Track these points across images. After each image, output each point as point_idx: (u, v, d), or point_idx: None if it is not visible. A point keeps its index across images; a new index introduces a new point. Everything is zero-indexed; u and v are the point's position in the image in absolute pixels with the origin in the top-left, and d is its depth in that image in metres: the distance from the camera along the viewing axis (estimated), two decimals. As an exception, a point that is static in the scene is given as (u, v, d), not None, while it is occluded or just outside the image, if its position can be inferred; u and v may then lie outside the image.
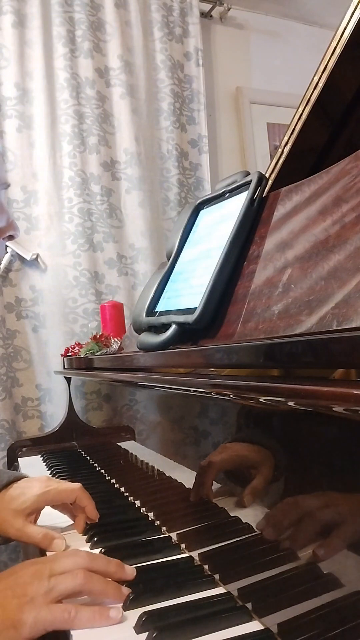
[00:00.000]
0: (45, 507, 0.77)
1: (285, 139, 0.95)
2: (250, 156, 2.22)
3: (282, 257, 0.62)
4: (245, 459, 0.55)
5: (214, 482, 0.62)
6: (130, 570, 0.58)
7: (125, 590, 0.55)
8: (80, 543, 0.73)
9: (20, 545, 1.42)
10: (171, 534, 0.72)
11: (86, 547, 0.71)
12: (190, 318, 0.69)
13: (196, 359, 0.61)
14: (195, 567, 0.61)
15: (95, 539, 0.72)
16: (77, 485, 0.77)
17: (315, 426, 0.43)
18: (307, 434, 0.44)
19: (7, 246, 1.64)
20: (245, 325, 0.61)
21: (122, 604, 0.54)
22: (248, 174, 0.82)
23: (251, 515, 0.52)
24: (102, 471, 1.13)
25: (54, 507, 0.79)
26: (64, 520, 0.80)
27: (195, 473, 0.66)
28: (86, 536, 0.75)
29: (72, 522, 0.79)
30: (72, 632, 0.50)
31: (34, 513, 0.74)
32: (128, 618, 0.52)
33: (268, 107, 2.27)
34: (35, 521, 0.75)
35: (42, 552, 0.72)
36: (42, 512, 0.77)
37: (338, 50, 0.83)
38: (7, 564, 1.54)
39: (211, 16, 2.20)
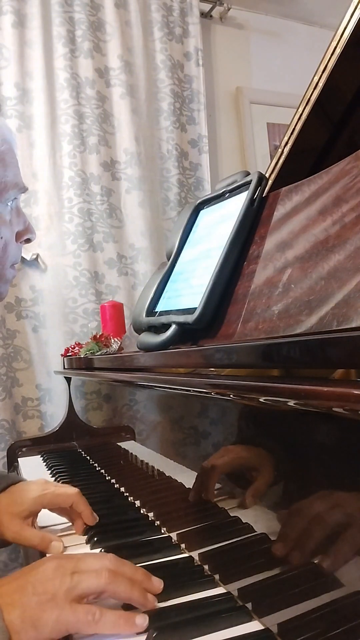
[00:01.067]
0: (43, 509, 0.76)
1: (285, 139, 0.95)
2: (250, 156, 2.22)
3: (282, 257, 0.62)
4: (245, 460, 0.55)
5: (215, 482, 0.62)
6: (157, 582, 0.54)
7: (152, 598, 0.52)
8: (80, 543, 0.73)
9: (20, 546, 1.42)
10: (171, 534, 0.72)
11: (86, 548, 0.71)
12: (190, 318, 0.69)
13: (196, 359, 0.61)
14: (195, 567, 0.61)
15: (95, 539, 0.72)
16: (75, 490, 0.76)
17: (315, 426, 0.43)
18: (307, 434, 0.44)
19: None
20: (245, 325, 0.61)
21: (150, 608, 0.51)
22: (248, 174, 0.82)
23: (251, 516, 0.52)
24: (102, 471, 1.13)
25: (51, 510, 0.78)
26: (64, 520, 0.80)
27: (196, 473, 0.66)
28: (86, 536, 0.75)
29: (71, 523, 0.79)
30: (72, 632, 0.50)
31: (30, 516, 0.74)
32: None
33: (268, 107, 2.27)
34: (32, 524, 0.75)
35: (41, 554, 0.72)
36: (43, 512, 0.77)
37: (338, 50, 0.83)
38: (7, 564, 1.54)
39: (211, 16, 2.20)
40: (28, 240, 0.80)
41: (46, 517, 0.79)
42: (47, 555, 0.69)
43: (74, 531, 0.77)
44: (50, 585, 0.49)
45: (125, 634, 0.48)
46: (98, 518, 0.77)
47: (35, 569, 0.51)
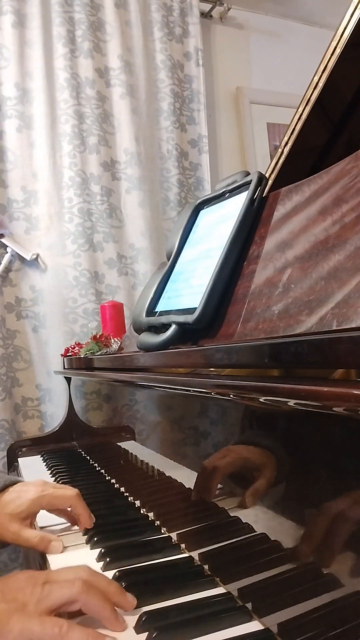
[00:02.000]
0: (41, 510, 0.76)
1: (285, 139, 0.95)
2: (250, 156, 2.22)
3: (282, 257, 0.62)
4: (245, 460, 0.55)
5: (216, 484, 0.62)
6: (130, 599, 0.52)
7: (122, 621, 0.50)
8: (80, 543, 0.73)
9: (19, 547, 1.41)
10: (171, 534, 0.72)
11: (86, 548, 0.72)
12: (190, 318, 0.69)
13: (196, 359, 0.61)
14: (195, 567, 0.61)
15: (95, 539, 0.72)
16: (73, 492, 0.76)
17: (315, 426, 0.43)
18: (307, 434, 0.44)
19: (7, 246, 1.64)
20: (245, 325, 0.61)
21: (119, 631, 0.49)
22: (248, 174, 0.82)
23: (251, 516, 0.52)
24: (102, 471, 1.13)
25: (50, 511, 0.79)
26: (63, 520, 0.80)
27: (196, 473, 0.66)
28: (86, 536, 0.75)
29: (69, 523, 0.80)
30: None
31: (29, 517, 0.74)
32: (128, 618, 0.52)
33: (268, 107, 2.27)
34: (31, 525, 0.75)
35: (41, 555, 0.72)
36: (42, 512, 0.78)
37: (338, 50, 0.83)
38: (8, 564, 1.54)
39: (211, 16, 2.20)
40: (0, 236, 0.81)
41: (46, 517, 0.80)
42: (48, 556, 0.70)
43: (73, 531, 0.77)
44: (21, 594, 0.48)
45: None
46: (94, 519, 0.77)
47: (7, 578, 0.50)
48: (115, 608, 0.51)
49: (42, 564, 0.71)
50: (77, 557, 0.69)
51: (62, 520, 0.80)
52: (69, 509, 0.77)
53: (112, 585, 0.52)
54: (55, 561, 0.68)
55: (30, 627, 0.45)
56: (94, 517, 0.77)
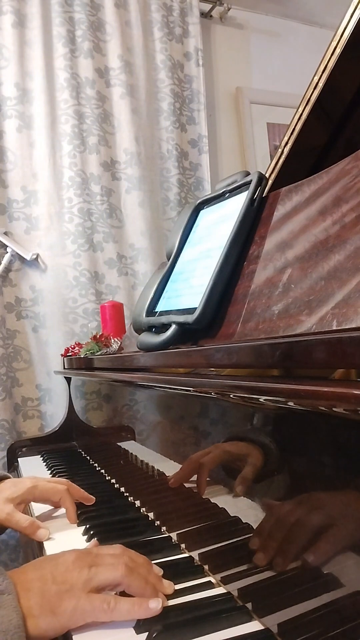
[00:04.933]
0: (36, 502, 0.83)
1: (285, 139, 0.95)
2: (250, 156, 2.22)
3: (282, 257, 0.62)
4: (244, 459, 0.55)
5: (213, 482, 0.62)
6: (168, 585, 0.56)
7: (163, 597, 0.54)
8: (80, 543, 0.73)
9: (21, 545, 1.42)
10: (171, 534, 0.72)
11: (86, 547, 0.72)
12: (190, 318, 0.69)
13: (196, 359, 0.61)
14: (195, 567, 0.61)
15: (96, 539, 0.72)
16: (63, 487, 0.82)
17: (315, 426, 0.43)
18: (307, 434, 0.44)
19: (7, 246, 1.64)
20: (245, 325, 0.61)
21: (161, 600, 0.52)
22: (248, 174, 0.82)
23: (251, 516, 0.52)
24: (102, 471, 1.13)
25: (44, 502, 0.85)
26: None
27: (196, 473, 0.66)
28: (86, 536, 0.75)
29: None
30: (72, 632, 0.50)
31: (22, 503, 0.79)
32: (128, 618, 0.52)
33: (268, 107, 2.27)
34: (23, 511, 0.80)
35: (39, 548, 0.73)
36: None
37: (338, 50, 0.83)
38: (8, 564, 1.54)
39: (211, 16, 2.20)
40: None
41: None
42: (46, 548, 0.72)
43: (71, 528, 0.80)
44: (70, 576, 0.51)
45: (141, 617, 0.50)
46: (76, 519, 0.81)
47: (55, 559, 0.54)
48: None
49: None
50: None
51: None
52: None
53: (151, 573, 0.56)
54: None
55: (81, 605, 0.49)
56: (75, 517, 0.82)
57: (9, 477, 0.84)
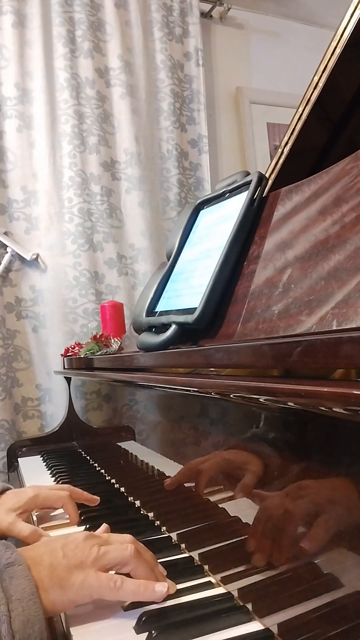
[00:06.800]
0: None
1: (285, 139, 0.95)
2: (250, 156, 2.22)
3: (282, 257, 0.62)
4: (244, 460, 0.55)
5: (214, 482, 0.62)
6: (171, 584, 0.55)
7: (170, 583, 0.55)
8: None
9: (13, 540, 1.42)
10: (171, 534, 0.72)
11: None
12: (190, 318, 0.69)
13: (196, 359, 0.61)
14: (195, 567, 0.61)
15: (106, 523, 0.72)
16: (65, 493, 0.82)
17: (314, 426, 0.43)
18: (307, 434, 0.44)
19: (7, 246, 1.64)
20: (245, 325, 0.61)
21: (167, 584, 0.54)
22: (248, 174, 0.82)
23: (251, 515, 0.52)
24: (102, 471, 1.13)
25: (47, 509, 0.85)
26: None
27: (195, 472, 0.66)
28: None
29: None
30: (72, 632, 0.50)
31: (25, 513, 0.79)
32: (128, 618, 0.52)
33: (268, 107, 2.27)
34: (26, 521, 0.79)
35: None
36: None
37: (338, 50, 0.83)
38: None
39: (211, 16, 2.20)
40: None
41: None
42: None
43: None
44: (79, 552, 0.52)
45: (146, 600, 0.52)
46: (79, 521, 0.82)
47: (65, 538, 0.55)
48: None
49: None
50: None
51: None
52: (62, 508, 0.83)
53: (157, 566, 0.57)
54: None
55: (89, 581, 0.50)
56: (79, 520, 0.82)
57: (10, 488, 0.85)
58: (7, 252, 1.65)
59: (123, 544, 0.54)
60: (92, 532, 0.58)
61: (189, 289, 0.77)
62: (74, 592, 0.49)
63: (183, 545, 0.67)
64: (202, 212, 0.92)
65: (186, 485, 0.69)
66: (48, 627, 0.50)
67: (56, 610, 0.49)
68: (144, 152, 1.86)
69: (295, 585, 0.44)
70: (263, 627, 0.48)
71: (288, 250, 0.61)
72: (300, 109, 0.91)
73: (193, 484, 0.67)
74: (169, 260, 0.90)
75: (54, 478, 1.12)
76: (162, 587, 0.52)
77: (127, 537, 0.57)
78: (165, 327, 0.75)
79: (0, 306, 1.63)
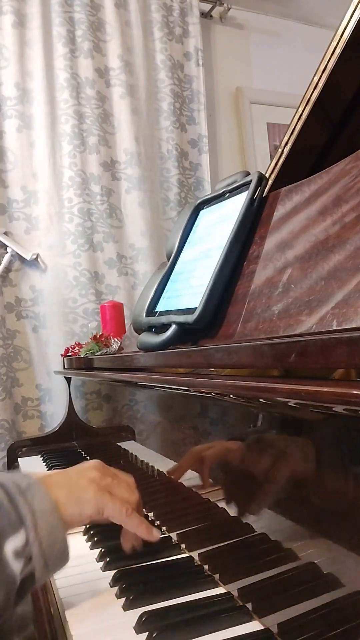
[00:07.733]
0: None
1: (285, 139, 0.95)
2: (250, 156, 2.22)
3: (282, 257, 0.62)
4: (244, 459, 0.55)
5: (213, 481, 0.62)
6: (156, 532, 0.60)
7: (156, 532, 0.59)
8: (80, 542, 0.73)
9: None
10: (171, 534, 0.72)
11: (86, 547, 0.72)
12: (190, 318, 0.69)
13: (196, 359, 0.61)
14: (195, 567, 0.61)
15: (95, 539, 0.72)
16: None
17: (314, 426, 0.43)
18: (307, 434, 0.44)
19: (7, 246, 1.64)
20: (245, 325, 0.61)
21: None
22: (248, 174, 0.82)
23: (251, 515, 0.52)
24: (102, 471, 1.13)
25: None
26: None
27: (196, 473, 0.66)
28: (86, 536, 0.75)
29: None
30: (72, 632, 0.50)
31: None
32: (128, 618, 0.52)
33: (268, 107, 2.27)
34: None
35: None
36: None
37: (338, 50, 0.83)
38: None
39: (211, 16, 2.20)
40: None
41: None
42: None
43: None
44: (94, 474, 0.57)
45: (142, 536, 0.58)
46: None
47: (78, 465, 0.59)
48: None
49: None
50: (76, 556, 0.68)
51: None
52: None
53: (142, 516, 0.60)
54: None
55: (104, 500, 0.55)
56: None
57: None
58: (7, 252, 1.65)
59: (123, 506, 0.56)
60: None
61: (189, 289, 0.77)
62: (91, 509, 0.54)
63: (183, 545, 0.67)
64: (202, 212, 0.92)
65: (186, 485, 0.69)
66: (48, 627, 0.50)
67: (73, 524, 0.53)
68: (144, 152, 1.86)
69: (295, 585, 0.44)
70: (263, 627, 0.48)
71: (288, 250, 0.61)
72: (300, 109, 0.91)
73: (193, 485, 0.67)
74: (169, 260, 0.90)
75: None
76: (158, 533, 0.59)
77: (131, 482, 0.61)
78: (165, 327, 0.75)
79: (0, 306, 1.63)
